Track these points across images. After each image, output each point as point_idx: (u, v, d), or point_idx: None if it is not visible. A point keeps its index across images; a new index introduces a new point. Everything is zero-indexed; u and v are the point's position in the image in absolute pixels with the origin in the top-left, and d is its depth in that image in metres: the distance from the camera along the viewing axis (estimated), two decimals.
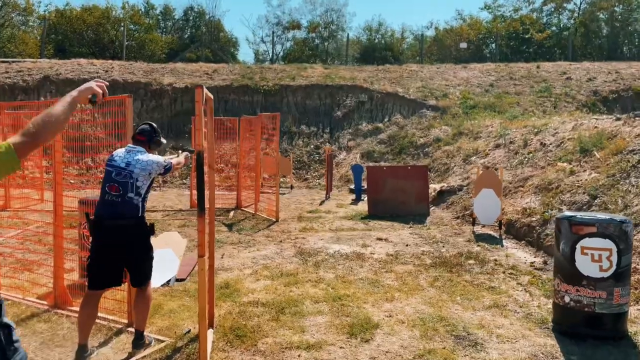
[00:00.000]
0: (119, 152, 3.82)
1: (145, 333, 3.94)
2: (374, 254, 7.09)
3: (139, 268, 3.77)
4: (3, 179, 1.97)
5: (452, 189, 11.29)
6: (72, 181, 10.24)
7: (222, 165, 16.23)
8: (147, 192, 3.76)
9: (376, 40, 31.43)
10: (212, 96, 4.15)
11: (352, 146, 17.57)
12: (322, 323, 4.47)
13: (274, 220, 9.69)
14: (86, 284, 3.75)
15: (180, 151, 4.38)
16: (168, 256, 5.91)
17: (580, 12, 32.16)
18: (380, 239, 8.04)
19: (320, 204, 12.32)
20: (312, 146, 18.01)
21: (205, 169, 4.38)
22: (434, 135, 15.73)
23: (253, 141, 11.44)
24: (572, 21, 32.37)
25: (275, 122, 10.29)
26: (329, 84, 19.36)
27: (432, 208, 10.78)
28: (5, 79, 17.51)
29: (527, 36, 29.30)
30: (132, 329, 4.05)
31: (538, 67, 21.49)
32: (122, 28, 25.27)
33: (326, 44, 31.52)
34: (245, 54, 73.55)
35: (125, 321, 4.32)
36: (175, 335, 4.14)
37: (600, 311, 4.07)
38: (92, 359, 3.66)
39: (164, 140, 4.15)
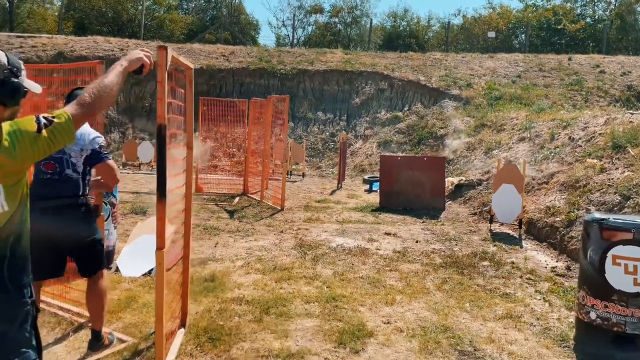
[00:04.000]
0: None
1: (106, 331, 3.48)
2: (379, 249, 6.54)
3: (83, 255, 3.27)
4: None
5: (471, 183, 10.62)
6: None
7: (234, 149, 15.80)
8: (85, 169, 3.25)
9: (400, 27, 30.44)
10: (191, 65, 3.64)
11: (369, 135, 16.95)
12: (310, 327, 3.96)
13: (279, 208, 9.20)
14: None
15: None
16: (151, 244, 5.45)
17: (617, 4, 30.64)
18: (388, 234, 7.47)
19: (331, 193, 11.80)
20: (327, 133, 17.43)
21: (184, 149, 3.91)
22: (455, 126, 14.99)
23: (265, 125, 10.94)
24: (607, 13, 30.88)
25: (285, 104, 9.75)
26: (348, 70, 18.70)
27: (448, 202, 10.15)
28: (19, 53, 17.26)
29: (559, 27, 28.00)
30: None
31: (570, 59, 20.43)
32: (141, 7, 24.90)
33: (349, 29, 30.70)
34: (266, 38, 72.69)
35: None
36: (140, 335, 3.67)
37: (632, 332, 3.47)
38: None
39: None
